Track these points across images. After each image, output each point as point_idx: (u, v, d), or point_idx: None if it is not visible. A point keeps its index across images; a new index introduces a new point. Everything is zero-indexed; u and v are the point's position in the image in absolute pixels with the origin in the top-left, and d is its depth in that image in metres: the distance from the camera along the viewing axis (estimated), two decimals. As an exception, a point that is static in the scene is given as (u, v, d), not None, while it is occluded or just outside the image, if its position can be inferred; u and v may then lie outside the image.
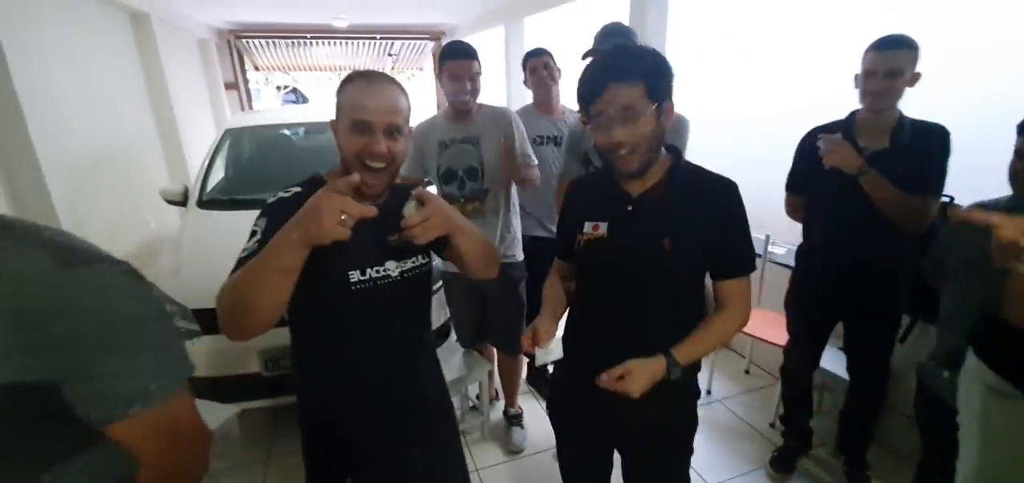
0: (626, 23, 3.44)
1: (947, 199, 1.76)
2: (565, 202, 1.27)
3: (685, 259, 1.07)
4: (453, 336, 2.49)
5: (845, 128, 1.73)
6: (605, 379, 1.03)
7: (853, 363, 1.97)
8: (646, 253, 1.07)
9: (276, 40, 7.72)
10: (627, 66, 0.99)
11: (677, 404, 1.18)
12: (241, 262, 0.95)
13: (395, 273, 1.09)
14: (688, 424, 1.22)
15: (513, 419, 2.42)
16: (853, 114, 1.75)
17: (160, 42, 4.57)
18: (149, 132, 4.53)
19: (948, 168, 1.62)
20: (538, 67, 2.37)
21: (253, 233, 0.99)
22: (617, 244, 1.10)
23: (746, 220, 1.09)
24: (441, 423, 1.30)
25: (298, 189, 1.05)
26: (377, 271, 1.07)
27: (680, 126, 1.88)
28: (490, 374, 2.35)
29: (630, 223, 1.09)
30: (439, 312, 2.39)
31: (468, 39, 2.50)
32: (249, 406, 2.06)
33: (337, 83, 1.12)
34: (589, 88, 1.02)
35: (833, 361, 2.21)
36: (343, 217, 0.86)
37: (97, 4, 3.77)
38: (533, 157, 2.08)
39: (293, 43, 8.04)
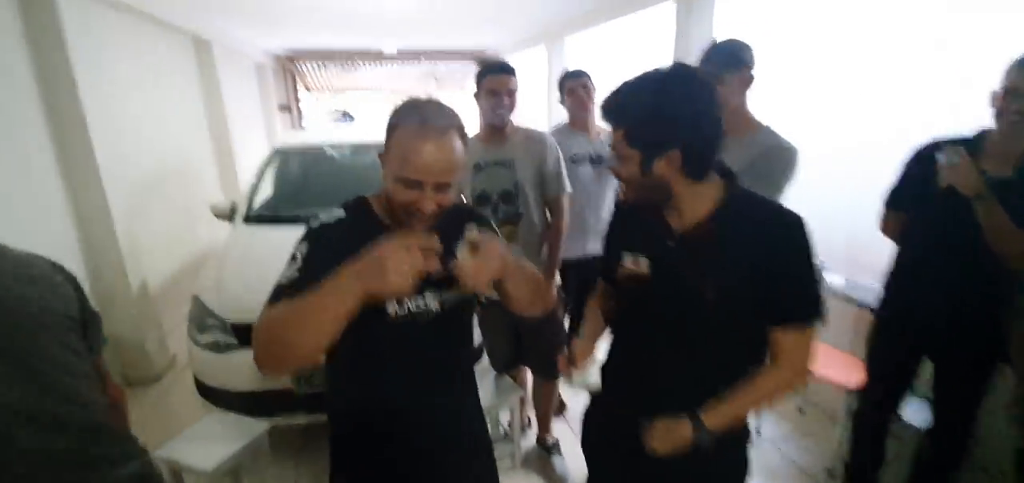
0: (672, 41, 3.37)
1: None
2: (611, 224, 1.20)
3: (734, 306, 0.94)
4: (485, 359, 2.43)
5: (970, 146, 1.51)
6: (647, 436, 0.97)
7: (940, 407, 1.75)
8: (689, 298, 0.96)
9: (327, 63, 8.04)
10: (613, 108, 0.96)
11: (725, 449, 1.05)
12: (282, 289, 0.89)
13: (434, 305, 1.02)
14: (737, 472, 1.10)
15: (551, 448, 2.33)
16: (983, 133, 1.55)
17: (220, 67, 4.85)
18: (205, 151, 4.79)
19: None
20: (576, 88, 2.35)
21: (293, 259, 0.94)
22: (657, 284, 1.00)
23: (809, 261, 0.93)
24: (478, 454, 1.22)
25: (341, 213, 1.00)
26: (417, 305, 1.00)
27: (779, 157, 1.57)
28: (522, 400, 2.27)
29: (673, 262, 0.99)
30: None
31: (510, 59, 2.48)
32: (280, 422, 2.07)
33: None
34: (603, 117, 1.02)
35: (906, 407, 2.00)
36: (408, 271, 0.81)
37: (163, 31, 4.03)
38: (567, 183, 2.03)
39: (343, 66, 8.37)
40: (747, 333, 0.98)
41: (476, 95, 1.94)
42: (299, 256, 0.94)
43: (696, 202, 0.97)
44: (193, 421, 2.00)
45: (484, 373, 2.23)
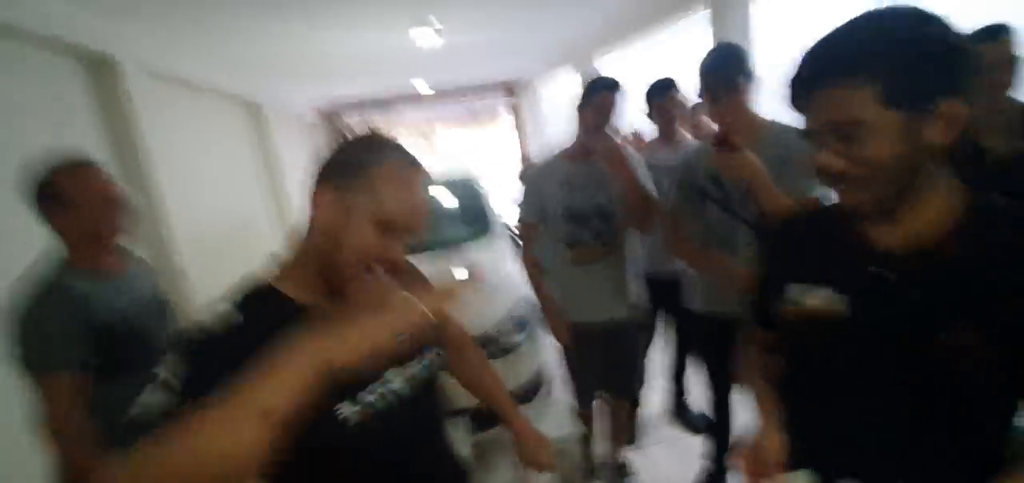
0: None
1: None
2: (768, 246, 0.88)
3: (997, 359, 0.63)
4: (548, 389, 2.39)
5: None
6: None
7: None
8: (926, 350, 0.65)
9: (366, 111, 8.40)
10: (848, 55, 0.62)
11: None
12: (139, 425, 0.58)
13: (400, 385, 0.78)
14: None
15: (621, 470, 2.27)
16: None
17: (273, 127, 5.20)
18: (265, 206, 5.08)
19: None
20: (665, 103, 2.27)
21: (153, 378, 0.62)
22: (865, 330, 0.69)
23: None
24: None
25: (234, 314, 0.69)
26: (375, 391, 0.75)
27: (790, 143, 1.41)
28: (585, 438, 2.19)
29: (891, 298, 0.67)
30: (528, 363, 2.31)
31: (542, 88, 2.45)
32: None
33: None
34: (792, 91, 0.67)
35: None
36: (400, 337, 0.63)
37: (219, 98, 4.35)
38: (654, 191, 1.90)
39: (383, 111, 8.73)
40: (1000, 393, 0.66)
41: (581, 109, 1.82)
42: (169, 376, 0.62)
43: (935, 204, 0.67)
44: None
45: (548, 405, 2.19)
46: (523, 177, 1.94)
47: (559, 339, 1.97)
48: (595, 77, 1.81)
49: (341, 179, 0.72)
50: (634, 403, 2.17)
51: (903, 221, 0.67)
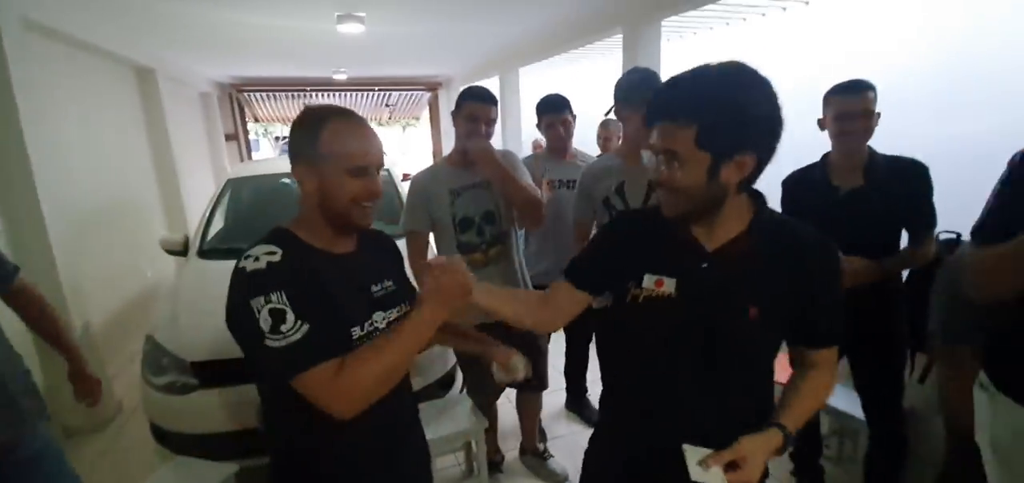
0: (619, 72, 3.57)
1: (953, 235, 1.78)
2: (609, 238, 1.10)
3: (773, 330, 0.93)
4: (456, 387, 2.42)
5: (818, 170, 1.79)
6: (712, 463, 0.85)
7: (867, 403, 1.92)
8: (726, 322, 0.90)
9: (276, 93, 7.87)
10: (682, 104, 0.83)
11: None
12: (295, 349, 0.82)
13: (382, 325, 1.00)
14: None
15: (543, 453, 2.37)
16: (826, 155, 1.80)
17: (164, 96, 4.66)
18: (149, 183, 4.56)
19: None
20: (555, 124, 2.42)
21: (280, 314, 0.83)
22: (689, 308, 0.92)
23: (839, 282, 0.96)
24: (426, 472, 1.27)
25: (275, 249, 0.89)
26: (370, 324, 0.98)
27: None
28: (487, 432, 2.22)
29: (706, 283, 0.91)
30: (442, 360, 2.33)
31: (462, 88, 2.50)
32: (249, 464, 1.97)
33: None
34: (647, 116, 0.89)
35: (851, 402, 2.16)
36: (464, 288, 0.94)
37: (104, 60, 3.85)
38: (536, 189, 2.01)
39: (293, 96, 8.21)
40: (770, 355, 0.97)
41: (454, 115, 1.93)
42: (286, 307, 0.83)
43: (732, 218, 0.92)
44: (146, 469, 1.87)
45: (456, 403, 2.22)
46: (413, 185, 2.00)
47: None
48: (466, 87, 1.92)
49: (305, 153, 0.92)
50: (545, 388, 2.26)
51: (718, 226, 0.92)
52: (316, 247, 0.95)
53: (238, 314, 0.84)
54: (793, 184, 1.86)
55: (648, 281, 0.95)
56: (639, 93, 1.70)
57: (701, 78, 0.83)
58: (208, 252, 2.75)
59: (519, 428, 2.41)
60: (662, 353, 0.97)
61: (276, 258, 0.87)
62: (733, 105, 0.80)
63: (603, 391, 1.15)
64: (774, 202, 1.92)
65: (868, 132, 1.67)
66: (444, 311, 0.91)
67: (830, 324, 0.95)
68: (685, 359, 0.94)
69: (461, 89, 1.95)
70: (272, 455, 1.04)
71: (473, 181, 1.93)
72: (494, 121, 1.91)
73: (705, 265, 0.92)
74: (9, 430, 1.30)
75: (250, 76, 6.92)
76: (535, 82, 5.66)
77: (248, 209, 3.35)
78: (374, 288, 1.01)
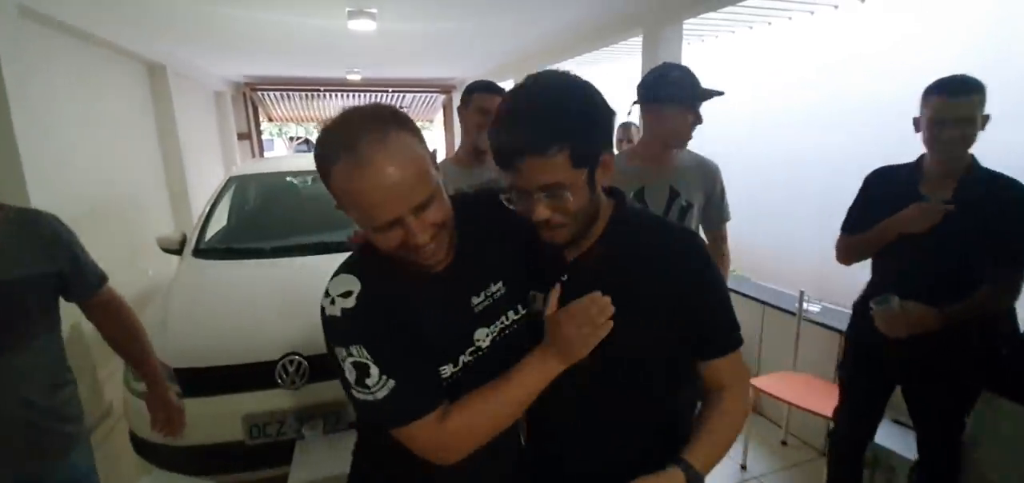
0: (639, 74, 3.42)
1: None
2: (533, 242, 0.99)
3: (649, 343, 0.84)
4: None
5: (910, 172, 1.59)
6: None
7: (923, 444, 1.72)
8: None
9: (290, 92, 7.87)
10: (544, 132, 0.72)
11: None
12: (386, 406, 0.75)
13: (486, 343, 0.85)
14: None
15: None
16: (921, 158, 1.59)
17: (174, 94, 4.61)
18: (157, 181, 4.50)
19: None
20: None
21: (363, 367, 0.75)
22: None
23: (721, 280, 0.89)
24: None
25: (352, 287, 0.77)
26: (467, 353, 0.83)
27: (713, 174, 1.73)
28: None
29: (566, 296, 0.82)
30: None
31: None
32: (227, 481, 1.84)
33: None
34: (500, 158, 0.78)
35: (888, 435, 1.96)
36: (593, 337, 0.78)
37: (112, 55, 3.81)
38: None
39: (307, 96, 8.20)
40: (663, 371, 0.88)
41: (462, 112, 1.85)
42: (365, 359, 0.75)
43: (601, 220, 0.85)
44: (133, 476, 1.76)
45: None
46: None
47: None
48: (474, 81, 1.84)
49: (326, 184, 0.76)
50: None
51: (583, 233, 0.83)
52: (400, 270, 0.79)
53: (330, 353, 0.80)
54: (876, 179, 1.66)
55: (529, 298, 0.91)
56: (672, 87, 1.56)
57: (541, 100, 0.76)
58: (206, 252, 2.63)
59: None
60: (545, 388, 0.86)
61: (351, 302, 0.76)
62: (584, 110, 0.76)
63: None
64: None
65: (967, 141, 1.46)
66: (565, 363, 0.79)
67: (722, 327, 0.86)
68: (565, 391, 0.83)
69: (466, 85, 1.85)
70: None
71: (482, 180, 1.82)
72: None
73: (565, 278, 0.84)
74: (30, 464, 1.15)
75: (264, 75, 6.90)
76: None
77: (252, 208, 3.25)
78: (475, 301, 0.85)
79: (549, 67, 5.10)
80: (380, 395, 0.75)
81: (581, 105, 0.76)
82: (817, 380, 2.30)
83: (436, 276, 0.82)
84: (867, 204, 1.69)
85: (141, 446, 1.93)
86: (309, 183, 3.72)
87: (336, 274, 0.80)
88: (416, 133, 0.76)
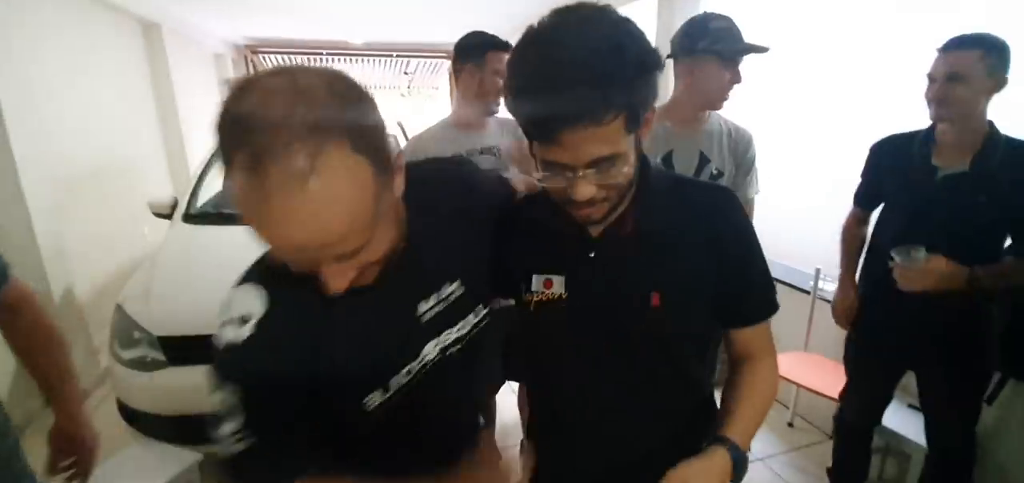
0: (653, 37, 3.24)
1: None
2: (499, 231, 0.85)
3: (685, 314, 0.75)
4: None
5: (924, 141, 1.45)
6: None
7: (932, 427, 1.62)
8: (627, 318, 0.75)
9: (292, 56, 7.71)
10: (601, 95, 0.58)
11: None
12: (235, 462, 0.62)
13: (433, 355, 0.72)
14: None
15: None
16: (933, 127, 1.45)
17: (170, 54, 4.48)
18: (154, 144, 4.41)
19: None
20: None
21: (229, 413, 0.61)
22: (579, 308, 0.77)
23: (757, 241, 0.79)
24: None
25: (258, 308, 0.62)
26: (407, 372, 0.69)
27: (744, 144, 1.57)
28: (485, 431, 2.03)
29: (595, 275, 0.76)
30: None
31: None
32: (214, 450, 1.80)
33: None
34: (539, 129, 0.64)
35: (901, 420, 1.87)
36: None
37: (105, 12, 3.68)
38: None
39: (309, 59, 8.03)
40: (695, 342, 0.82)
41: (471, 70, 1.66)
42: (232, 402, 0.61)
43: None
44: (119, 448, 1.73)
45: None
46: (415, 147, 1.75)
47: None
48: (484, 33, 1.67)
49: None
50: None
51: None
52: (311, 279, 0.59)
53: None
54: (885, 148, 1.54)
55: (536, 283, 0.79)
56: (713, 39, 1.39)
57: (590, 52, 0.58)
58: (196, 217, 2.56)
59: (520, 425, 2.20)
60: (566, 364, 0.82)
61: (246, 333, 0.60)
62: (641, 59, 0.61)
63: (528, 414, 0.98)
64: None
65: (960, 102, 1.31)
66: None
67: (758, 293, 0.80)
68: (592, 369, 0.79)
69: (471, 39, 1.67)
70: None
71: (483, 145, 1.73)
72: None
73: (592, 255, 0.76)
74: None
75: (264, 37, 6.73)
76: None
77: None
78: (424, 308, 0.71)
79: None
80: (233, 450, 0.61)
81: (637, 53, 0.60)
82: (827, 361, 2.21)
83: (362, 293, 0.63)
84: (878, 176, 1.58)
85: (128, 414, 1.89)
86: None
87: (242, 281, 0.64)
88: (369, 139, 0.52)
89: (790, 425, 2.48)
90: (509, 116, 1.81)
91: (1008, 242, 1.41)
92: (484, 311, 0.79)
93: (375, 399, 0.68)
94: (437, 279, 0.73)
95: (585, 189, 0.65)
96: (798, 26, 3.09)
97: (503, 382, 1.95)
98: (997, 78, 1.30)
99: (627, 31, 0.61)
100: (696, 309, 0.77)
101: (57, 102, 2.96)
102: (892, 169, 1.52)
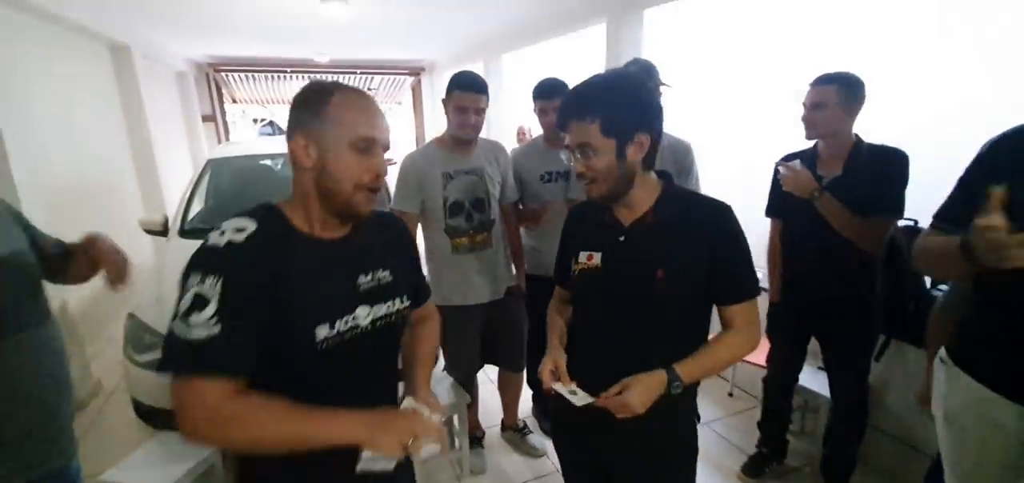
0: (603, 59, 3.62)
1: (911, 222, 1.88)
2: (564, 229, 1.28)
3: (680, 288, 1.06)
4: (439, 366, 2.47)
5: (808, 156, 1.85)
6: (604, 398, 1.02)
7: (834, 385, 2.03)
8: (638, 283, 1.07)
9: (255, 74, 7.71)
10: (586, 101, 1.03)
11: (676, 430, 1.16)
12: (192, 347, 0.72)
13: (365, 322, 0.90)
14: (688, 451, 1.19)
15: (523, 429, 2.45)
16: (817, 144, 1.86)
17: (140, 75, 4.54)
18: (125, 163, 4.46)
19: (905, 192, 1.68)
20: (548, 110, 2.14)
21: (199, 299, 0.74)
22: (609, 274, 1.10)
23: (745, 243, 1.08)
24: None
25: (251, 225, 0.80)
26: (346, 322, 0.87)
27: (682, 152, 2.00)
28: (469, 407, 2.26)
29: (622, 253, 1.10)
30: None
31: (446, 74, 2.48)
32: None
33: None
34: (559, 121, 1.08)
35: (812, 380, 2.28)
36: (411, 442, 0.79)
37: (78, 36, 3.74)
38: (516, 193, 2.13)
39: (272, 77, 8.06)
40: (691, 314, 1.10)
41: (445, 103, 1.92)
42: (212, 298, 0.73)
43: (644, 194, 1.09)
44: (130, 447, 1.87)
45: (439, 380, 2.26)
46: (405, 165, 1.99)
47: None
48: (457, 73, 1.90)
49: (307, 124, 0.83)
50: (523, 369, 2.34)
51: (634, 203, 1.10)
52: (301, 231, 0.86)
53: (180, 285, 0.78)
54: (781, 163, 1.88)
55: (582, 256, 1.15)
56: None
57: (599, 80, 1.06)
58: (189, 232, 2.73)
59: (499, 408, 2.49)
60: (596, 316, 1.16)
61: (241, 237, 0.78)
62: (625, 95, 1.03)
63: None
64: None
65: (820, 124, 1.74)
66: (364, 441, 0.77)
67: (734, 280, 1.08)
68: (612, 320, 1.12)
69: (451, 75, 1.92)
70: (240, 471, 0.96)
71: (466, 167, 1.95)
72: (484, 110, 1.90)
73: (622, 238, 1.10)
74: (61, 457, 1.27)
75: (228, 56, 6.74)
76: (520, 68, 5.67)
77: (228, 190, 3.32)
78: (363, 279, 0.91)
79: (515, 50, 5.22)
80: (195, 335, 0.72)
81: (616, 92, 1.03)
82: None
83: (329, 245, 0.88)
84: (777, 187, 1.93)
85: (145, 413, 2.05)
86: (281, 166, 3.81)
87: (233, 217, 0.82)
88: None
89: (730, 395, 2.88)
90: (496, 141, 2.09)
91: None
92: (408, 301, 0.99)
93: (322, 332, 0.83)
94: (373, 262, 0.94)
95: (576, 166, 1.06)
96: (721, 61, 3.55)
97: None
98: (851, 106, 1.71)
99: (623, 76, 1.10)
100: (686, 287, 1.06)
101: (49, 128, 3.06)
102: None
